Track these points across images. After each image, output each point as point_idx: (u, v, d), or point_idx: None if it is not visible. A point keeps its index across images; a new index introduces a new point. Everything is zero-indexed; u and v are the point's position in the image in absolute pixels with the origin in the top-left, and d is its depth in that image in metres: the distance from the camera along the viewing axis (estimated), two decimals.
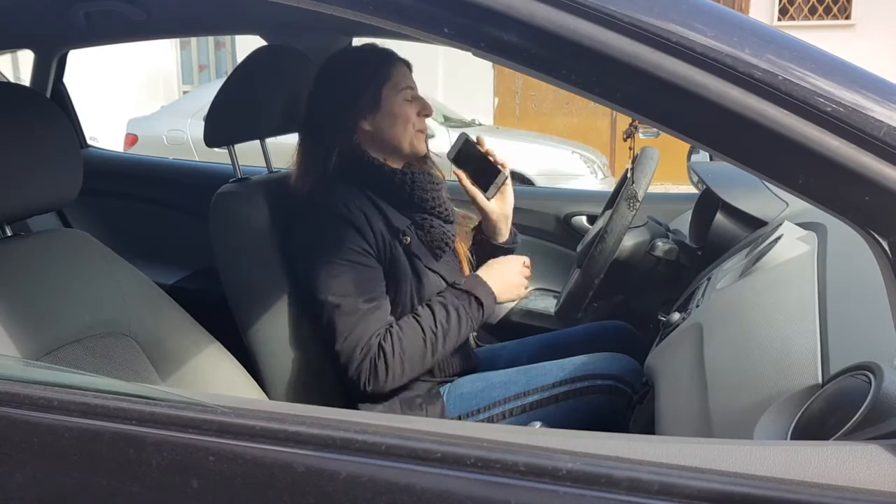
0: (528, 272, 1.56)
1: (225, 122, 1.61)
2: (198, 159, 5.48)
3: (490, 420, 1.51)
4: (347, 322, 1.39)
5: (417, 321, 1.43)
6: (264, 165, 1.84)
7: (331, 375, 1.49)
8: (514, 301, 1.53)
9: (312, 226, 1.44)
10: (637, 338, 1.75)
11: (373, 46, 1.54)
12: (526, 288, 1.55)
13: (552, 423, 1.45)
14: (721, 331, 1.12)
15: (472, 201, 1.55)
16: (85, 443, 0.73)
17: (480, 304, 1.46)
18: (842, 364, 0.77)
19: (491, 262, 1.54)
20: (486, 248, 1.64)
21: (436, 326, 1.42)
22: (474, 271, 1.58)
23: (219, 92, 1.58)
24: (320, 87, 1.52)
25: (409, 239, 1.48)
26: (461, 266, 1.62)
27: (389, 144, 1.49)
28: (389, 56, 1.50)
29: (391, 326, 1.42)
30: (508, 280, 1.52)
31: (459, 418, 1.53)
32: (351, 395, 1.45)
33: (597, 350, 1.60)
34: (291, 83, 1.62)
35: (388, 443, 0.65)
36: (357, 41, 2.25)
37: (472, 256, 1.67)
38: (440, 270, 1.52)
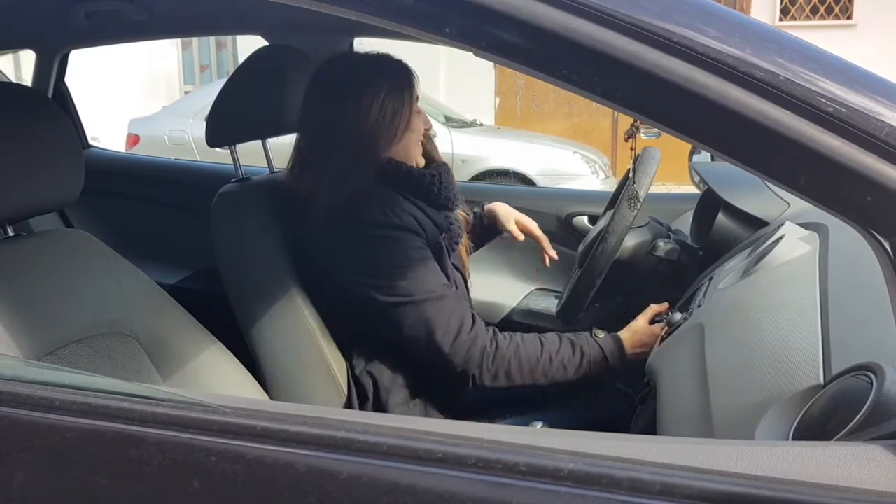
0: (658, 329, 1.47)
1: (226, 122, 1.61)
2: (199, 159, 5.49)
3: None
4: (444, 308, 1.38)
5: (541, 341, 1.43)
6: (265, 165, 1.84)
7: (331, 375, 1.49)
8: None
9: (366, 244, 1.39)
10: None
11: (399, 61, 1.48)
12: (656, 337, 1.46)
13: (553, 427, 1.45)
14: (723, 331, 1.12)
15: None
16: (86, 443, 0.73)
17: (606, 360, 1.45)
18: (843, 364, 0.77)
19: (635, 327, 1.49)
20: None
21: (556, 355, 1.42)
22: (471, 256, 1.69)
23: (220, 92, 1.58)
24: (360, 100, 1.42)
25: (444, 237, 1.49)
26: (462, 255, 1.65)
27: (405, 154, 1.48)
28: (410, 69, 1.48)
29: (514, 335, 1.43)
30: (644, 343, 1.48)
31: None
32: (460, 386, 1.43)
33: None
34: (293, 83, 1.62)
35: (390, 443, 0.65)
36: (358, 42, 2.26)
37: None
38: (457, 264, 1.55)
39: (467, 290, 1.58)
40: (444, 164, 1.54)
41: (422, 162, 1.52)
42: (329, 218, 1.42)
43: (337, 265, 1.43)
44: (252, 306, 1.51)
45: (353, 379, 1.49)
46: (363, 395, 1.48)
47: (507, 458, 0.62)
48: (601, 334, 1.48)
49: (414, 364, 1.47)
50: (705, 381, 1.00)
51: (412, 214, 1.42)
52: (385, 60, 1.46)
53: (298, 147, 1.52)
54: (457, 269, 1.54)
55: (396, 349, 1.45)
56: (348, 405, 1.48)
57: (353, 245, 1.41)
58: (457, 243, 1.54)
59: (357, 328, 1.48)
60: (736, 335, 1.08)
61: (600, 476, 0.61)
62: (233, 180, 1.62)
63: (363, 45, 1.77)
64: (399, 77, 1.44)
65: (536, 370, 1.41)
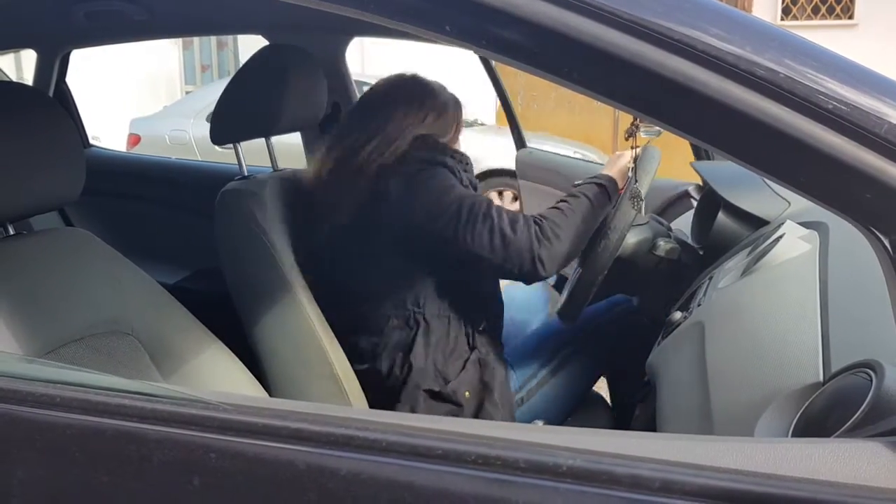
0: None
1: (231, 120, 1.61)
2: (200, 159, 5.50)
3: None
4: (494, 209, 1.45)
5: (554, 206, 1.54)
6: (269, 165, 1.84)
7: (333, 374, 1.49)
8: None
9: (416, 188, 1.47)
10: (637, 312, 1.81)
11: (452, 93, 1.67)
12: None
13: (551, 399, 1.63)
14: (723, 329, 1.12)
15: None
16: (86, 440, 0.73)
17: (602, 186, 1.58)
18: (843, 362, 0.77)
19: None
20: None
21: (570, 203, 1.53)
22: None
23: (225, 90, 1.58)
24: (426, 111, 1.57)
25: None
26: None
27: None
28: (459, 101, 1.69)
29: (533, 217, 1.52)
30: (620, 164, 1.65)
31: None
32: (528, 278, 1.50)
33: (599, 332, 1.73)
34: (297, 82, 1.62)
35: (389, 440, 0.65)
36: (359, 41, 2.26)
37: None
38: None
39: None
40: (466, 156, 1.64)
41: None
42: (390, 185, 1.48)
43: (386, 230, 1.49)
44: (254, 304, 1.51)
45: (402, 355, 1.51)
46: (410, 369, 1.49)
47: (506, 454, 0.62)
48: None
49: (465, 305, 1.56)
50: (705, 379, 1.00)
51: (450, 167, 1.51)
52: (442, 88, 1.63)
53: (336, 152, 1.56)
54: None
55: (453, 297, 1.54)
56: (349, 403, 1.48)
57: (406, 195, 1.47)
58: None
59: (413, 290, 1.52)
60: (736, 333, 1.08)
61: (600, 472, 0.61)
62: (236, 178, 1.62)
63: (363, 43, 1.77)
64: (454, 102, 1.63)
65: (570, 227, 1.50)
